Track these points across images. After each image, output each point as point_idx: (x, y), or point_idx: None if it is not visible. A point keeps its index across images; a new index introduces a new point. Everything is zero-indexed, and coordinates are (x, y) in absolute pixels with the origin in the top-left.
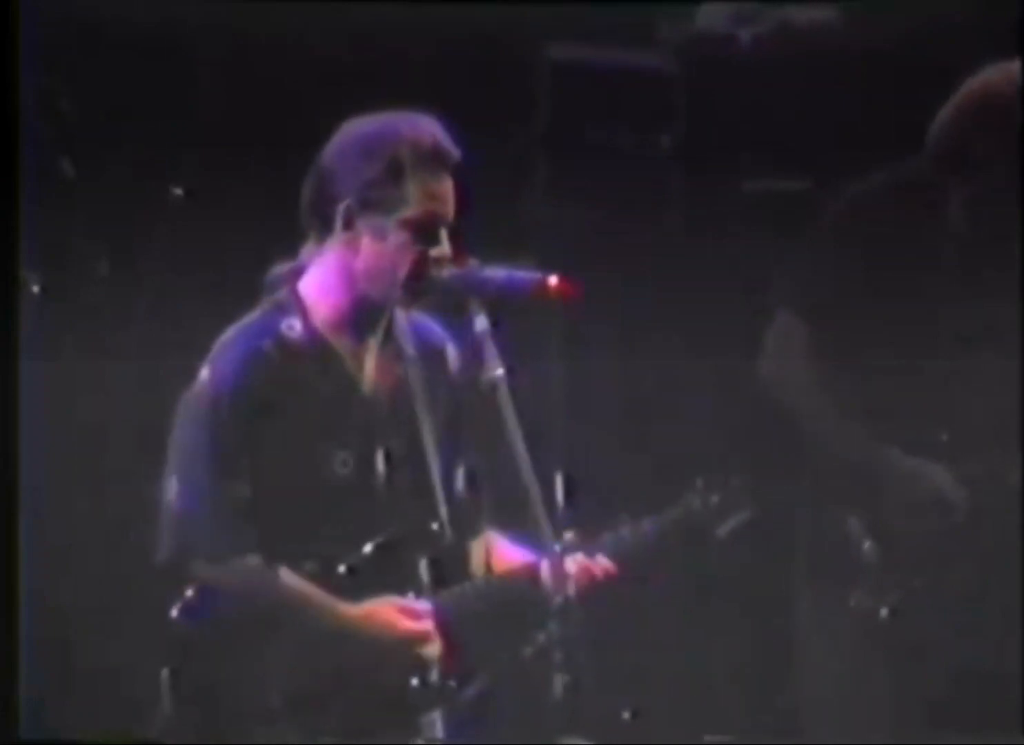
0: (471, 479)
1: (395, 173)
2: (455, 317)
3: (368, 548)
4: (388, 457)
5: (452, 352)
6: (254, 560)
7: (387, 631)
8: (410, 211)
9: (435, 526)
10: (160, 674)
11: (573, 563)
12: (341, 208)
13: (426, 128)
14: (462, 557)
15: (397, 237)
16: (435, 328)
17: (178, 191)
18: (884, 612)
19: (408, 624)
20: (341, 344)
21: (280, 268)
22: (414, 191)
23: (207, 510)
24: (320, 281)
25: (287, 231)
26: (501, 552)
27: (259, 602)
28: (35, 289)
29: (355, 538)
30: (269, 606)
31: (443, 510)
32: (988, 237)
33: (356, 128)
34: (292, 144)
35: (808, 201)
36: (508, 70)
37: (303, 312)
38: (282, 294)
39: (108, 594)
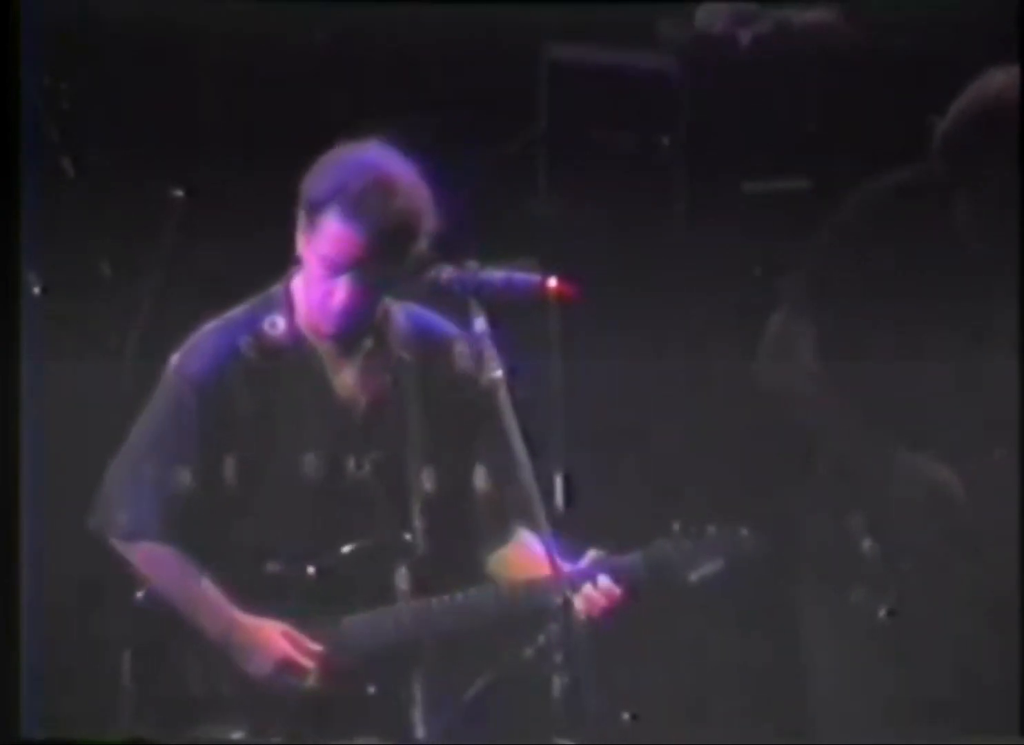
0: (495, 477)
1: (373, 189)
2: (455, 318)
3: (336, 553)
4: (361, 464)
5: (460, 348)
6: (167, 549)
7: (268, 651)
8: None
9: (408, 536)
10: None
11: (592, 585)
12: (303, 208)
13: (400, 182)
14: (450, 565)
15: (369, 241)
16: (441, 325)
17: (178, 191)
18: (883, 611)
19: (287, 650)
20: (324, 346)
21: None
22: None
23: (137, 490)
24: (303, 279)
25: (288, 231)
26: (532, 555)
27: (164, 590)
28: (35, 289)
29: (321, 543)
30: (168, 594)
31: (417, 518)
32: (992, 238)
33: (352, 152)
34: (292, 144)
35: (808, 201)
36: (508, 70)
37: (290, 310)
38: (275, 289)
39: (108, 594)
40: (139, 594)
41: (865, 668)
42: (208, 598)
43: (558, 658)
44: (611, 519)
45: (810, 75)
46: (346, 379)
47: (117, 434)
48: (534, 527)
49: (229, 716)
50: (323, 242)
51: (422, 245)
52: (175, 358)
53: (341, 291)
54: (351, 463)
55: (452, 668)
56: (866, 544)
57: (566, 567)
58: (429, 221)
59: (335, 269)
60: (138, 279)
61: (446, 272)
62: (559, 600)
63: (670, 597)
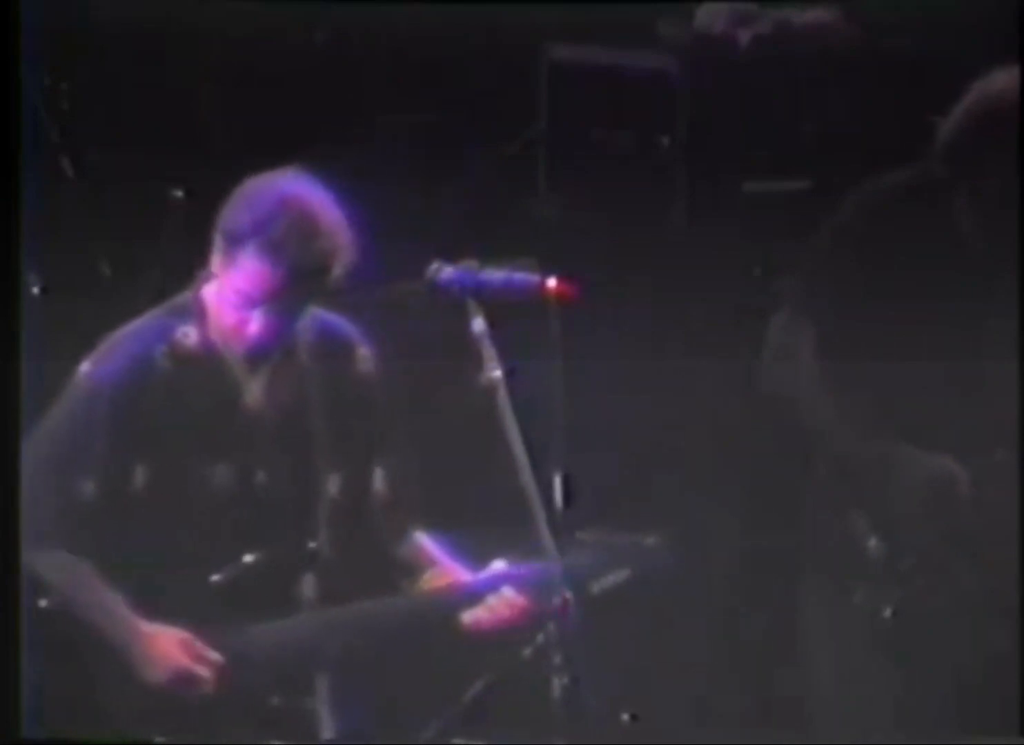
0: (393, 480)
1: (290, 231)
2: (454, 318)
3: (241, 562)
4: (269, 473)
5: (363, 353)
6: (70, 557)
7: (165, 659)
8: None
9: (312, 544)
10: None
11: (498, 597)
12: (245, 244)
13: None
14: (359, 568)
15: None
16: (346, 329)
17: (178, 192)
18: (888, 611)
19: (183, 659)
20: (234, 356)
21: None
22: (303, 246)
23: (41, 497)
24: (217, 294)
25: None
26: (430, 557)
27: (66, 597)
28: (35, 289)
29: (227, 552)
30: (70, 602)
31: (324, 528)
32: (992, 238)
33: (272, 184)
34: (292, 144)
35: (808, 201)
36: (508, 70)
37: (202, 320)
38: (187, 298)
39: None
40: (42, 602)
41: (866, 668)
42: (109, 606)
43: (557, 658)
44: (611, 519)
45: (810, 75)
46: (256, 389)
47: None
48: (533, 528)
49: (134, 720)
50: (240, 276)
51: (339, 275)
52: (85, 365)
53: (256, 322)
54: (259, 472)
55: (450, 668)
56: (870, 545)
57: (470, 577)
58: (347, 255)
59: (251, 302)
60: (138, 279)
61: (445, 272)
62: (463, 610)
63: (671, 596)
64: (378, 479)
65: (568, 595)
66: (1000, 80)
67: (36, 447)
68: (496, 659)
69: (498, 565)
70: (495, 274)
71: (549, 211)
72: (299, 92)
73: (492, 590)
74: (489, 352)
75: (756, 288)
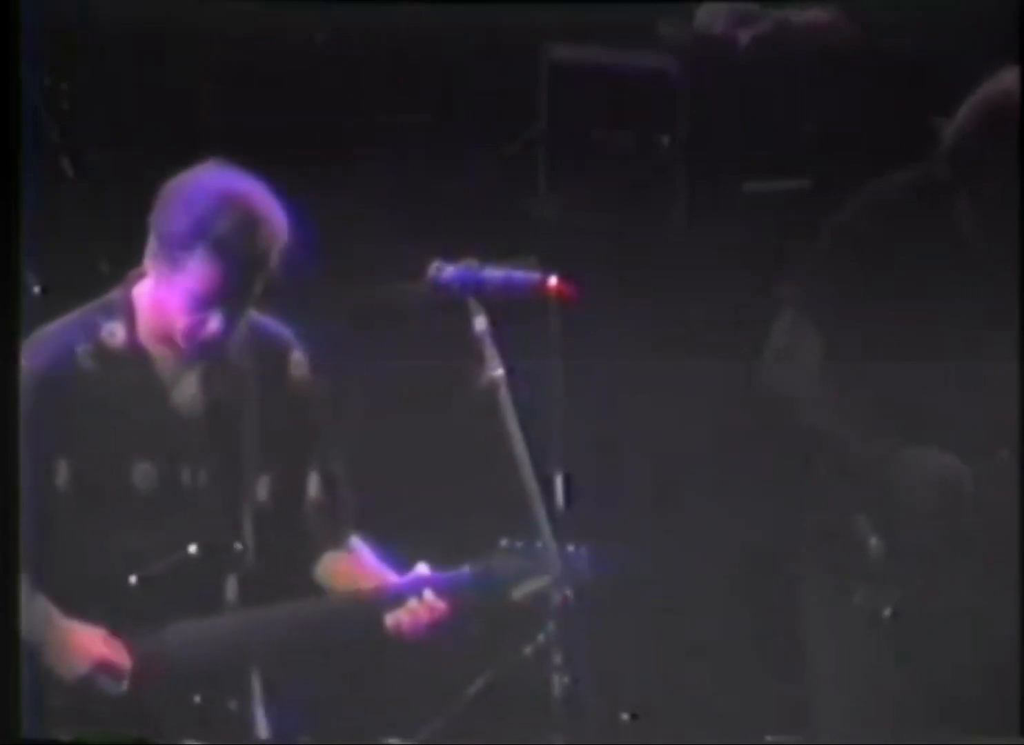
0: (326, 486)
1: (190, 239)
2: (454, 317)
3: (164, 561)
4: (196, 473)
5: (296, 357)
6: None
7: (84, 653)
8: (190, 280)
9: (238, 546)
10: None
11: (419, 601)
12: (152, 243)
13: (258, 218)
14: (283, 572)
15: (177, 299)
16: (280, 333)
17: None
18: (888, 611)
19: (103, 653)
20: (162, 357)
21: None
22: (199, 264)
23: None
24: (151, 293)
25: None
26: (359, 564)
27: None
28: (35, 289)
29: (151, 551)
30: None
31: (250, 529)
32: (994, 239)
33: (203, 175)
34: (292, 144)
35: (808, 201)
36: (508, 70)
37: (131, 319)
38: (115, 296)
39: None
40: None
41: (866, 668)
42: (26, 598)
43: (557, 658)
44: (610, 519)
45: (810, 75)
46: (185, 389)
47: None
48: (533, 528)
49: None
50: (189, 279)
51: (277, 265)
52: (23, 354)
53: (214, 322)
54: (186, 472)
55: (449, 668)
56: (870, 544)
57: (393, 579)
58: (283, 241)
59: (204, 303)
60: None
61: (446, 272)
62: (385, 613)
63: (672, 596)
64: (309, 483)
65: (568, 593)
66: (1002, 81)
67: None
68: (496, 658)
69: (421, 568)
70: (495, 273)
71: (549, 211)
72: (299, 92)
73: (414, 593)
74: (490, 351)
75: (756, 288)
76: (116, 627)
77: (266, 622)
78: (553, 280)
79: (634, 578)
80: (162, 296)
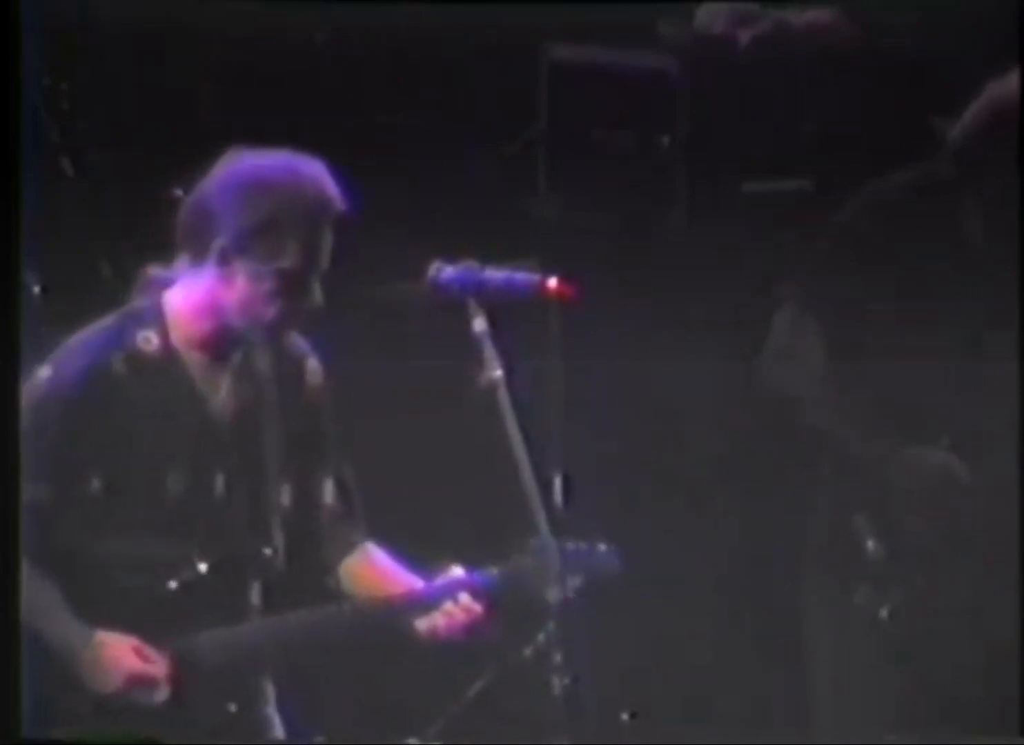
0: (341, 492)
1: (271, 226)
2: (454, 317)
3: (196, 569)
4: (226, 479)
5: (312, 366)
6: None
7: (116, 666)
8: (286, 262)
9: (268, 551)
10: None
11: (455, 603)
12: (217, 246)
13: (308, 180)
14: (306, 579)
15: (269, 284)
16: (297, 342)
17: (178, 192)
18: (888, 611)
19: (136, 665)
20: (196, 364)
21: (155, 272)
22: (290, 244)
23: None
24: (187, 301)
25: None
26: (380, 568)
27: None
28: (35, 289)
29: (183, 559)
30: (23, 611)
31: (278, 536)
32: (994, 238)
33: (241, 167)
34: (292, 145)
35: (808, 201)
36: (508, 70)
37: (163, 326)
38: (144, 304)
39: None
40: None
41: (866, 668)
42: (55, 611)
43: (557, 658)
44: (610, 519)
45: (810, 75)
46: (215, 394)
47: None
48: (534, 529)
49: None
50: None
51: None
52: (44, 370)
53: (231, 328)
54: (215, 479)
55: (448, 668)
56: (870, 544)
57: (418, 582)
58: (340, 207)
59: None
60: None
61: (446, 272)
62: (416, 618)
63: (672, 596)
64: (325, 490)
65: (571, 594)
66: (1004, 82)
67: None
68: (496, 658)
69: (455, 571)
70: (496, 274)
71: (549, 211)
72: (299, 92)
73: (449, 596)
74: (489, 352)
75: (756, 288)
76: (147, 637)
77: (296, 628)
78: (553, 281)
79: (633, 578)
80: (219, 293)
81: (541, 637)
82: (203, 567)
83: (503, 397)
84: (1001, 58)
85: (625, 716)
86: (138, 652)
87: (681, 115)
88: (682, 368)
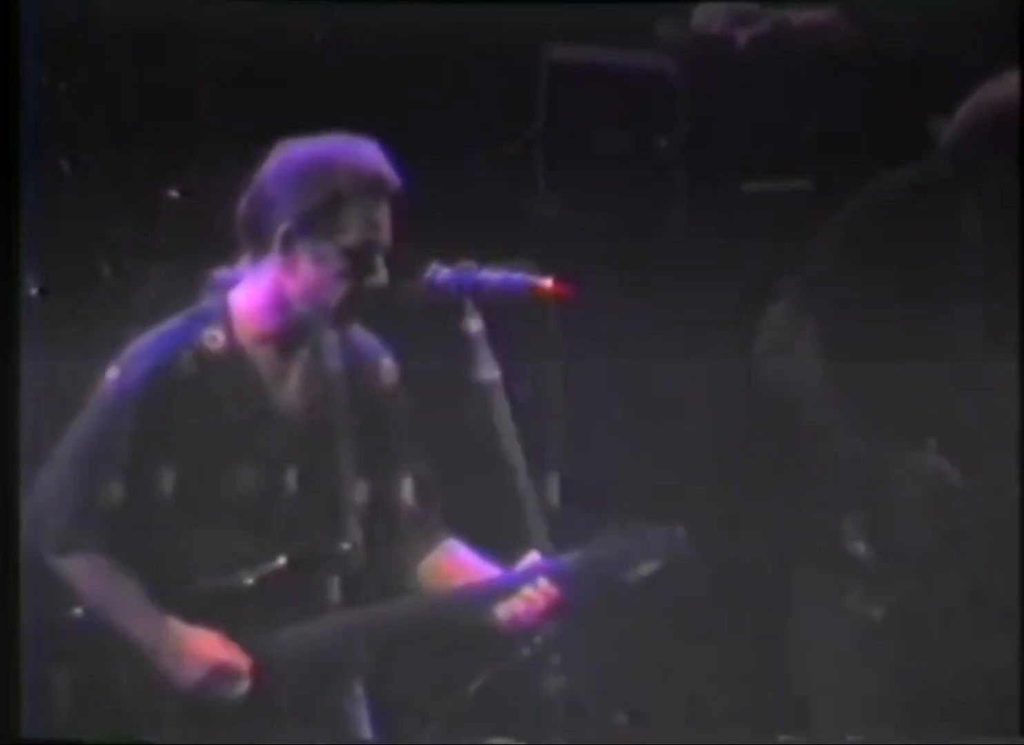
0: (420, 489)
1: (334, 201)
2: (450, 318)
3: (271, 565)
4: (300, 475)
5: (387, 364)
6: (98, 560)
7: (199, 657)
8: (348, 239)
9: (345, 547)
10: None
11: (534, 588)
12: (280, 232)
13: (366, 156)
14: (386, 575)
15: (335, 263)
16: (369, 341)
17: (178, 192)
18: (888, 611)
19: (219, 655)
20: (264, 360)
21: (220, 273)
22: (352, 219)
23: (67, 504)
24: (252, 297)
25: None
26: (461, 563)
27: (96, 603)
28: (35, 289)
29: (259, 554)
30: (100, 606)
31: (355, 532)
32: (994, 237)
33: (295, 153)
34: None
35: (807, 201)
36: (508, 70)
37: (229, 324)
38: (211, 303)
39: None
40: (78, 610)
41: (865, 668)
42: (138, 607)
43: (554, 659)
44: (609, 519)
45: (809, 75)
46: (284, 390)
47: None
48: (531, 529)
49: (166, 726)
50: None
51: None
52: (112, 371)
53: (298, 322)
54: (288, 474)
55: (448, 668)
56: (865, 544)
57: (500, 572)
58: (398, 184)
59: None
60: (138, 279)
61: (442, 273)
62: (495, 606)
63: (665, 599)
64: (404, 486)
65: (568, 594)
66: (1003, 81)
67: (63, 453)
68: (494, 659)
69: (533, 556)
70: (493, 275)
71: (548, 211)
72: (299, 92)
73: (528, 582)
74: (485, 353)
75: (756, 288)
76: (228, 631)
77: (376, 619)
78: (549, 282)
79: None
80: (283, 282)
81: (538, 638)
82: (280, 563)
83: (499, 398)
84: (1001, 58)
85: (622, 717)
86: (220, 644)
87: (680, 115)
88: (681, 368)
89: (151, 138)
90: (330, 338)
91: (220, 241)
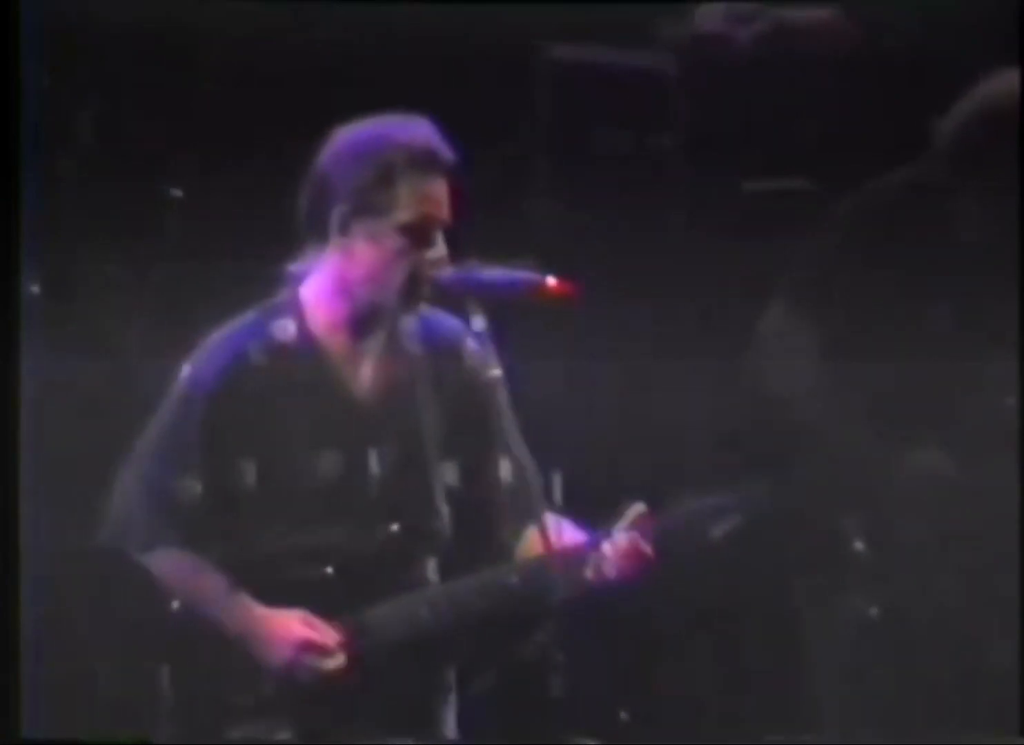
0: (516, 466)
1: (387, 177)
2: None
3: (359, 549)
4: (382, 458)
5: (471, 345)
6: (183, 555)
7: (287, 636)
8: (404, 214)
9: (437, 528)
10: (155, 671)
11: (624, 543)
12: (335, 214)
13: (417, 131)
14: (479, 552)
15: (393, 241)
16: (450, 323)
17: (178, 192)
18: (877, 612)
19: (307, 632)
20: (337, 347)
21: (291, 266)
22: (407, 194)
23: (148, 501)
24: (318, 287)
25: (287, 231)
26: (558, 536)
27: (180, 595)
28: (35, 289)
29: (348, 540)
30: (188, 599)
31: (447, 513)
32: (993, 237)
33: (348, 134)
34: (293, 144)
35: (807, 201)
36: (508, 70)
37: (300, 315)
38: (282, 297)
39: (109, 594)
40: (175, 605)
41: (865, 668)
42: (224, 594)
43: (557, 657)
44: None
45: (809, 75)
46: (361, 376)
47: (117, 434)
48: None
49: (266, 716)
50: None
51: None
52: (185, 368)
53: (367, 309)
54: (370, 459)
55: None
56: (865, 543)
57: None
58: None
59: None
60: (138, 279)
61: (445, 271)
62: (586, 568)
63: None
64: (497, 470)
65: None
66: (1002, 81)
67: (141, 452)
68: (496, 658)
69: (638, 507)
70: (495, 274)
71: (548, 211)
72: (299, 92)
73: (612, 540)
74: (489, 351)
75: (755, 288)
76: (320, 616)
77: (471, 589)
78: (552, 281)
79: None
80: (344, 268)
81: (541, 635)
82: (369, 548)
83: (502, 396)
84: (1001, 58)
85: (624, 715)
86: (307, 622)
87: (680, 115)
88: (681, 368)
89: (151, 138)
90: (409, 322)
91: (220, 241)
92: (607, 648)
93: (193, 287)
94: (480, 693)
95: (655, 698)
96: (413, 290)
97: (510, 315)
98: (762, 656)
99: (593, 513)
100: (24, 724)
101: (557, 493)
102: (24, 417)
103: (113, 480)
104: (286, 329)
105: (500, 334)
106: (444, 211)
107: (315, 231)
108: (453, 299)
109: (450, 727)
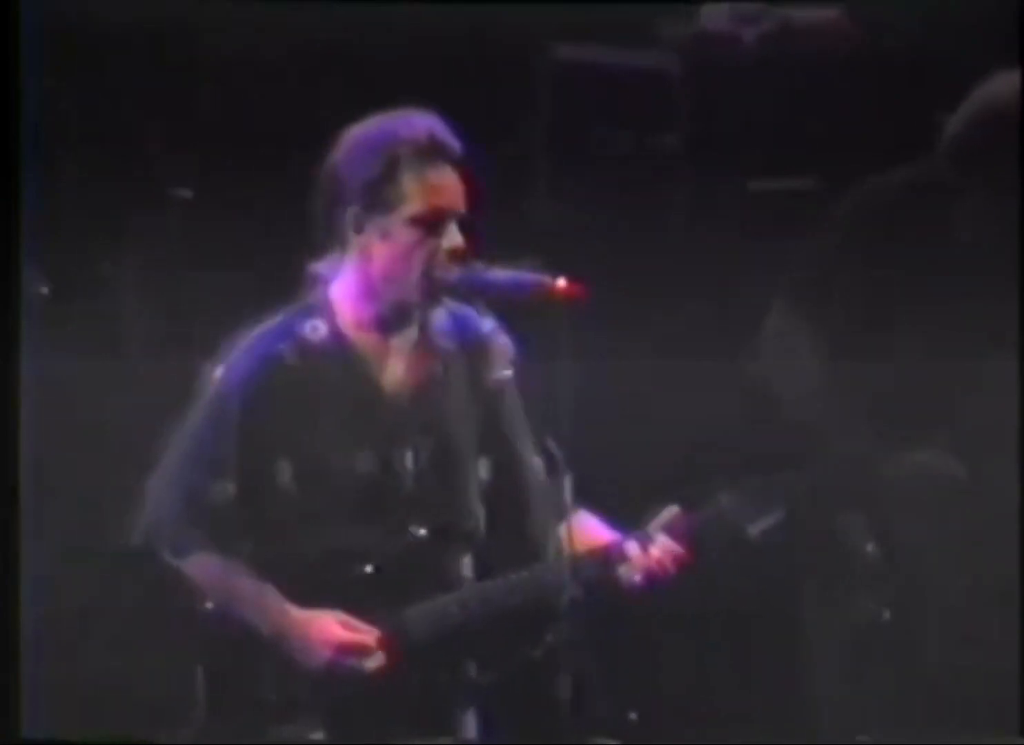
0: (549, 462)
1: (393, 172)
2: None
3: (396, 546)
4: (415, 456)
5: (501, 342)
6: (218, 557)
7: (325, 637)
8: (412, 207)
9: (471, 524)
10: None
11: (657, 546)
12: (349, 214)
13: (422, 123)
14: (512, 549)
15: (405, 235)
16: (480, 320)
17: (178, 192)
18: (885, 613)
19: (345, 634)
20: (368, 345)
21: (316, 267)
22: (413, 187)
23: (181, 504)
24: (345, 287)
25: (288, 231)
26: (590, 534)
27: (214, 597)
28: (35, 289)
29: (382, 538)
30: (222, 602)
31: (479, 509)
32: (993, 237)
33: (356, 133)
34: (293, 144)
35: (810, 201)
36: (508, 70)
37: (330, 315)
38: (312, 298)
39: (109, 594)
40: (208, 605)
41: (865, 668)
42: (259, 596)
43: (565, 659)
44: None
45: (811, 74)
46: (393, 374)
47: (118, 434)
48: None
49: (301, 716)
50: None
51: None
52: (217, 370)
53: (394, 305)
54: (404, 456)
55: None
56: (868, 545)
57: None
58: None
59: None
60: (138, 279)
61: (452, 272)
62: (619, 565)
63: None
64: (529, 466)
65: (578, 595)
66: (1003, 81)
67: (173, 454)
68: (504, 660)
69: (672, 509)
70: (501, 274)
71: (549, 211)
72: (299, 92)
73: (648, 538)
74: (497, 352)
75: (757, 288)
76: (356, 615)
77: (506, 589)
78: (559, 281)
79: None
80: (363, 267)
81: (549, 638)
82: (403, 548)
83: (510, 396)
84: (1001, 58)
85: (633, 716)
86: (345, 624)
87: (682, 115)
88: (681, 368)
89: (152, 138)
90: (439, 317)
91: (220, 241)
92: (622, 647)
93: (193, 287)
94: (502, 691)
95: (667, 698)
96: (431, 283)
97: (517, 315)
98: (762, 656)
99: (608, 512)
100: (24, 724)
101: (566, 494)
102: (24, 417)
103: (113, 480)
104: (317, 329)
105: (507, 334)
106: (455, 201)
107: (333, 232)
108: (460, 300)
109: (471, 727)
